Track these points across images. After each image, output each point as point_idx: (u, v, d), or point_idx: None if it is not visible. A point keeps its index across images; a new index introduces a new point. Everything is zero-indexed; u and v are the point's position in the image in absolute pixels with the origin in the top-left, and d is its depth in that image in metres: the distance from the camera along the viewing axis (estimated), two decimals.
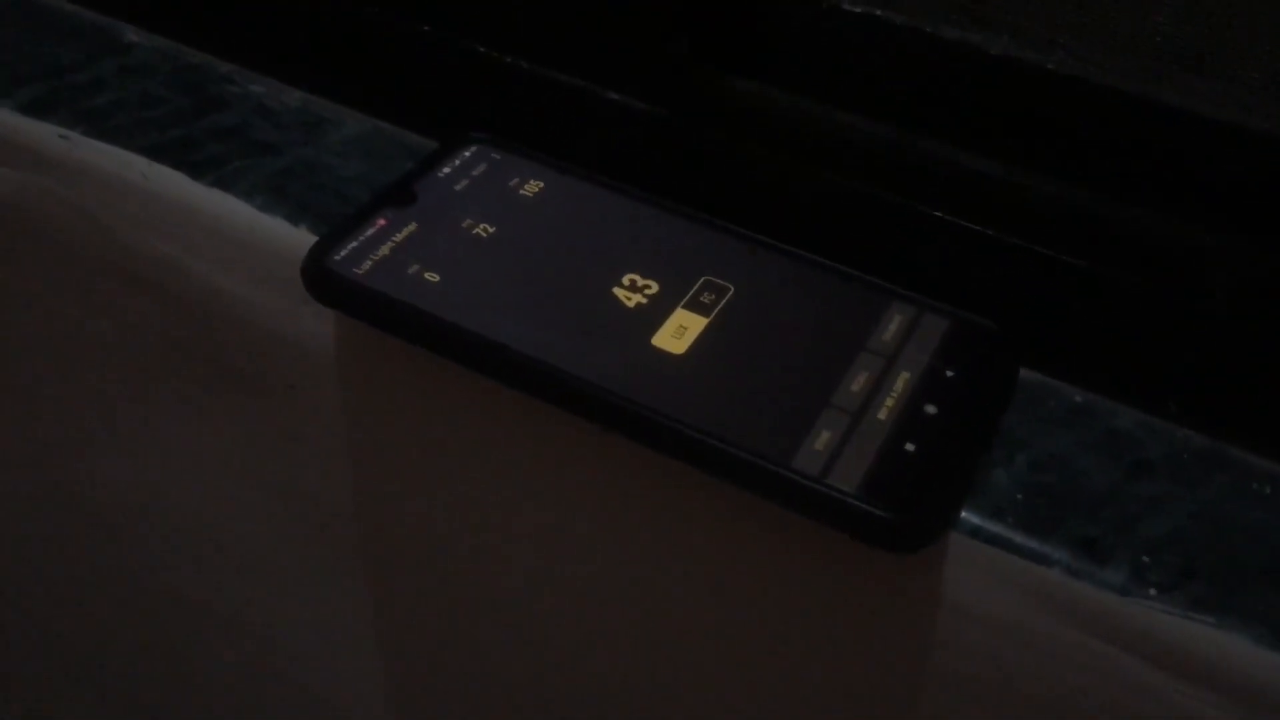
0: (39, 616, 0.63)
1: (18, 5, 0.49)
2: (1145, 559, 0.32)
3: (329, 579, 0.48)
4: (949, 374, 0.35)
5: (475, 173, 0.40)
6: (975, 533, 0.33)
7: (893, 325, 0.36)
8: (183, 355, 0.44)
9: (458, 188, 0.40)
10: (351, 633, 0.49)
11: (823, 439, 0.33)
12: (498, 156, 0.41)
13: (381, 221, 0.38)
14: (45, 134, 0.43)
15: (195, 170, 0.41)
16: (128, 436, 0.49)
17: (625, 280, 0.37)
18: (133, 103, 0.44)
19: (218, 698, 0.57)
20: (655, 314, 0.36)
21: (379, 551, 0.46)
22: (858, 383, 0.35)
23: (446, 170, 0.40)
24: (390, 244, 0.37)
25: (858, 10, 0.38)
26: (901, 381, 0.35)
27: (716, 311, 0.36)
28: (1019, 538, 0.33)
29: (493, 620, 0.44)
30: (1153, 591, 0.32)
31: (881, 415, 0.34)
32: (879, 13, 0.38)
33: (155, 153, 0.42)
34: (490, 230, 0.38)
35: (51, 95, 0.44)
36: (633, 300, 0.36)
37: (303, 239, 0.39)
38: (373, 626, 0.48)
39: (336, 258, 0.37)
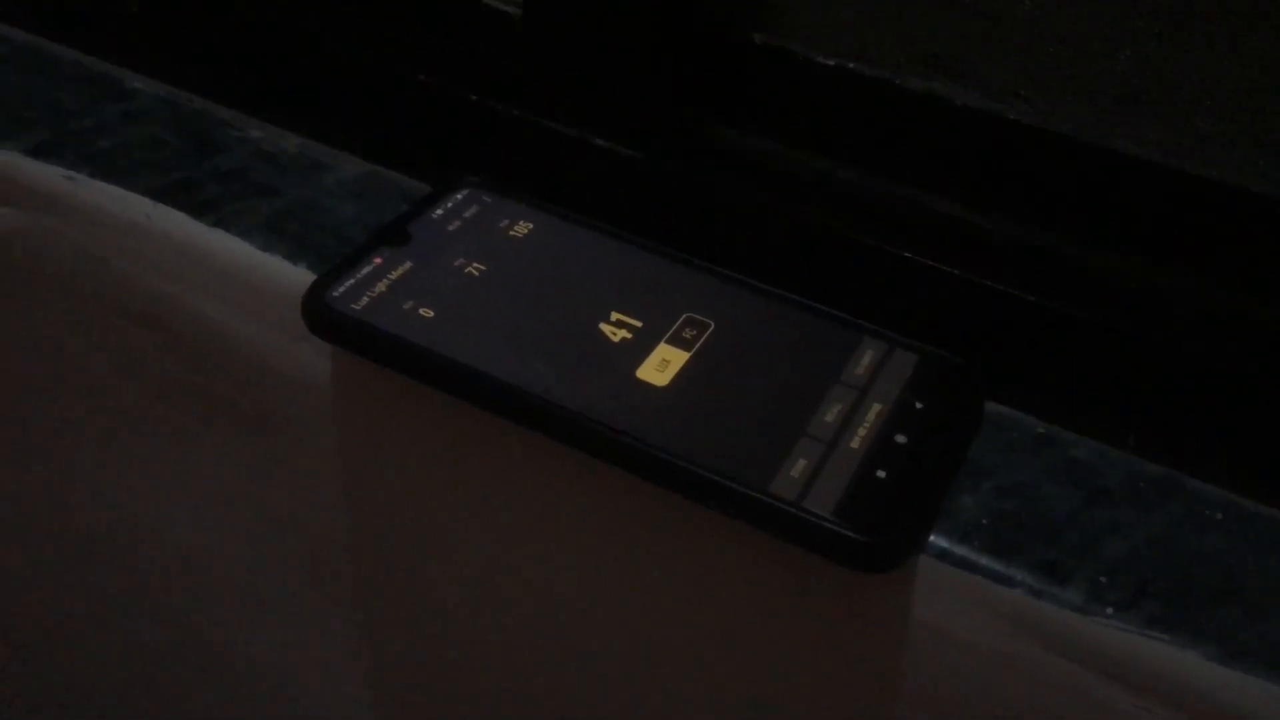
0: (28, 647, 0.64)
1: (24, 52, 0.51)
2: (1103, 579, 0.34)
3: (320, 608, 0.49)
4: (918, 406, 0.37)
5: (467, 214, 0.42)
6: (943, 555, 0.35)
7: (865, 359, 0.38)
8: (181, 389, 0.46)
9: (451, 228, 0.42)
10: (340, 661, 0.51)
11: (799, 466, 0.35)
12: (489, 199, 0.43)
13: (378, 260, 0.40)
14: (51, 175, 0.44)
15: (197, 211, 0.43)
16: (125, 468, 0.50)
17: (611, 317, 0.39)
18: (136, 146, 0.46)
19: (201, 715, 0.58)
20: (639, 349, 0.38)
21: (370, 581, 0.47)
22: (832, 414, 0.36)
23: (440, 212, 0.42)
24: (386, 281, 0.39)
25: (831, 63, 0.40)
26: (873, 412, 0.37)
27: (698, 346, 0.38)
28: (984, 560, 0.35)
29: (479, 644, 0.45)
30: (1110, 610, 0.34)
31: (854, 444, 0.36)
32: (851, 65, 0.40)
33: (158, 194, 0.44)
34: (482, 269, 0.40)
35: (57, 139, 0.46)
36: (618, 335, 0.38)
37: (302, 277, 0.41)
38: (362, 655, 0.50)
39: (335, 294, 0.38)
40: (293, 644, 0.52)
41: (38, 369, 0.49)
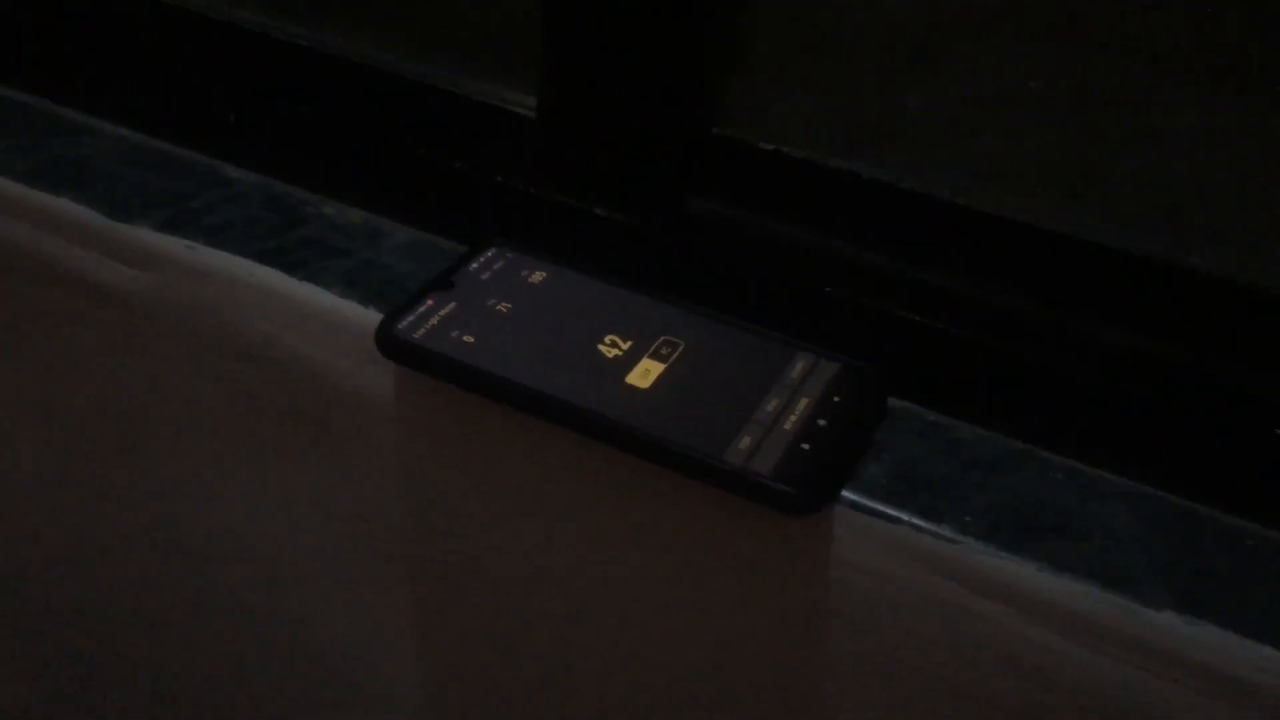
0: (129, 644, 0.77)
1: (147, 152, 0.64)
2: (969, 519, 0.47)
3: (382, 589, 0.61)
4: (836, 399, 0.50)
5: (496, 267, 0.56)
6: (854, 506, 0.47)
7: (798, 367, 0.51)
8: (275, 410, 0.58)
9: (484, 277, 0.55)
10: (399, 638, 0.63)
11: (745, 442, 0.47)
12: (512, 255, 0.56)
13: (430, 301, 0.53)
14: (175, 245, 0.58)
15: (288, 269, 0.56)
16: (227, 480, 0.63)
17: (607, 339, 0.52)
18: (238, 222, 0.59)
19: (288, 702, 0.70)
20: (628, 362, 0.51)
21: (424, 561, 0.60)
22: (771, 405, 0.49)
23: (475, 265, 0.55)
24: (438, 317, 0.52)
25: (770, 148, 0.54)
26: (802, 404, 0.49)
27: (672, 359, 0.51)
28: (883, 508, 0.47)
29: (502, 605, 0.58)
30: (972, 539, 0.46)
31: (787, 426, 0.48)
32: (784, 149, 0.54)
33: (258, 257, 0.57)
34: (509, 306, 0.53)
35: (176, 217, 0.59)
36: (612, 353, 0.51)
37: (371, 317, 0.54)
38: (417, 629, 0.62)
39: (400, 326, 0.52)
40: (359, 625, 0.65)
41: (161, 401, 0.62)
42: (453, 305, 0.53)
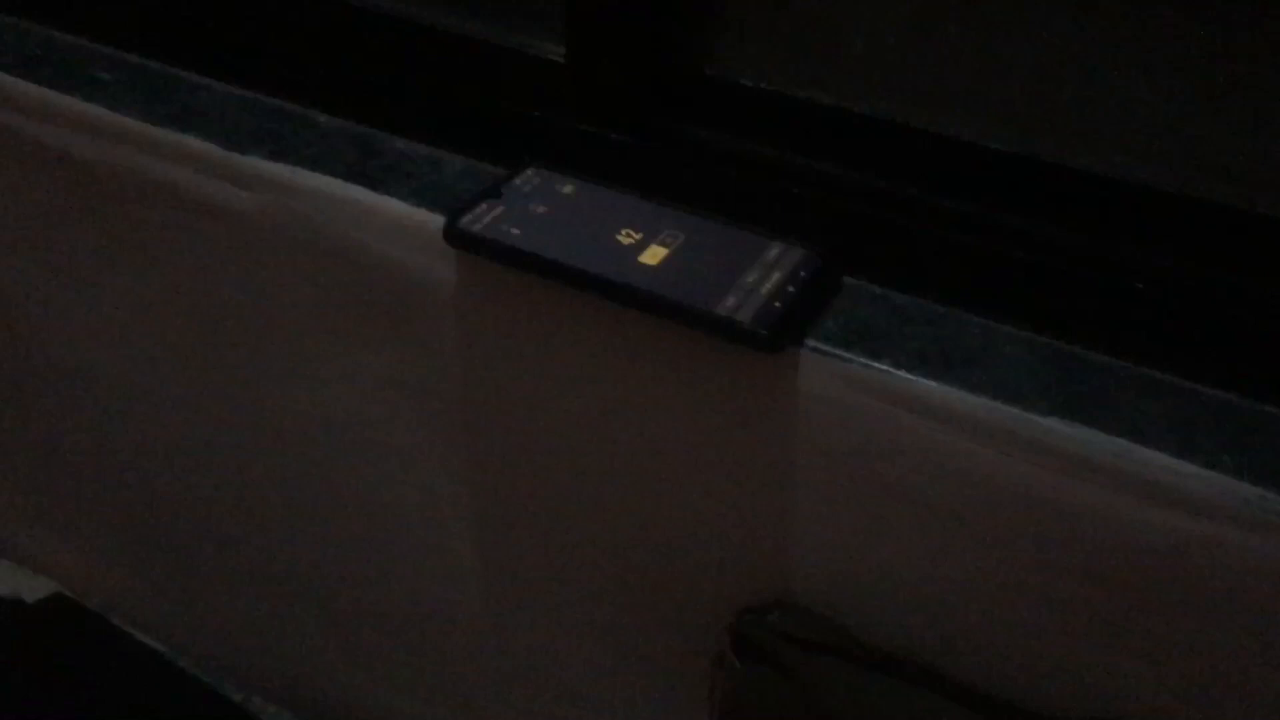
0: (228, 528, 0.92)
1: (250, 103, 0.79)
2: (902, 358, 0.61)
3: (446, 459, 0.76)
4: (802, 274, 0.64)
5: (534, 182, 0.70)
6: (815, 351, 0.62)
7: (773, 252, 0.65)
8: (363, 303, 0.73)
9: (525, 189, 0.69)
10: (458, 499, 0.78)
11: (730, 301, 0.62)
12: (546, 173, 0.71)
13: (484, 205, 0.68)
14: (280, 170, 0.72)
15: (371, 185, 0.71)
16: (320, 362, 0.78)
17: (623, 232, 0.66)
18: (328, 153, 0.74)
19: (366, 560, 0.85)
20: (640, 247, 0.65)
21: (474, 415, 0.74)
22: (750, 278, 0.64)
23: (517, 180, 0.70)
24: (491, 215, 0.67)
25: (749, 84, 0.68)
26: (775, 277, 0.64)
27: (674, 246, 0.66)
28: (837, 351, 0.61)
29: (535, 449, 0.72)
30: (905, 372, 0.60)
31: (763, 291, 0.63)
32: (762, 85, 0.68)
33: (346, 177, 0.72)
34: (544, 210, 0.68)
35: (280, 148, 0.74)
36: (627, 241, 0.66)
37: (438, 220, 0.68)
38: (472, 491, 0.77)
39: (462, 221, 0.66)
40: (427, 486, 0.79)
41: (266, 301, 0.77)
42: (501, 208, 0.68)
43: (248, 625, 0.99)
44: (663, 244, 0.66)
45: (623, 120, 0.70)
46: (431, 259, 0.69)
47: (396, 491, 0.81)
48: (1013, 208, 0.64)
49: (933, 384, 0.60)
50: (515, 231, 0.66)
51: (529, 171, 0.71)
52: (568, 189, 0.70)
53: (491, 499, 0.77)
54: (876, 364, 0.61)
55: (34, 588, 1.10)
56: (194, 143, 0.74)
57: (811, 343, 0.62)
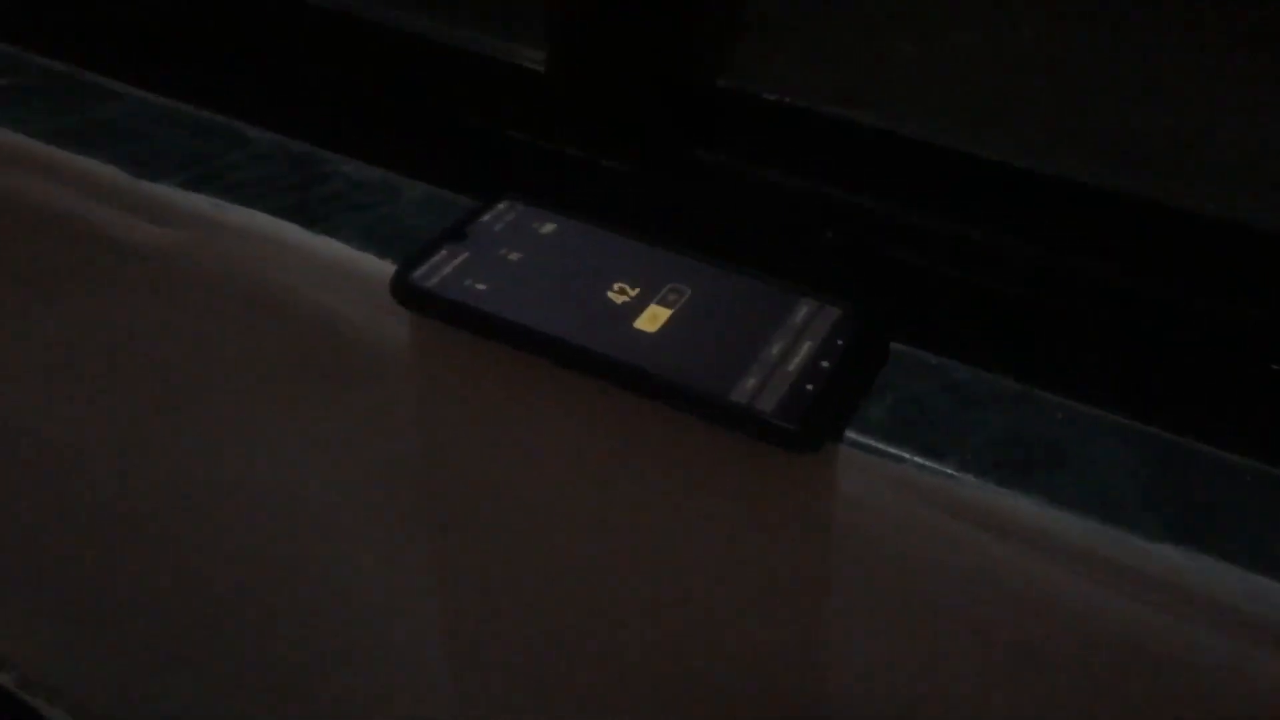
0: (158, 598, 0.79)
1: (170, 114, 0.66)
2: (968, 457, 0.48)
3: (404, 534, 0.63)
4: (839, 342, 0.51)
5: (507, 219, 0.57)
6: (856, 445, 0.49)
7: (801, 312, 0.52)
8: (299, 360, 0.60)
9: (496, 229, 0.56)
10: (419, 576, 0.65)
11: (750, 383, 0.49)
12: (523, 207, 0.58)
13: (444, 252, 0.55)
14: (199, 202, 0.59)
15: (308, 223, 0.58)
16: (251, 426, 0.65)
17: (615, 286, 0.53)
18: (259, 180, 0.61)
19: (301, 640, 0.72)
20: (636, 307, 0.52)
21: (442, 506, 0.61)
22: (775, 349, 0.50)
23: (487, 217, 0.57)
24: (451, 266, 0.54)
25: (772, 98, 0.55)
26: (805, 348, 0.51)
27: (678, 305, 0.52)
28: (884, 446, 0.48)
29: (516, 546, 0.59)
30: (971, 475, 0.47)
31: (791, 368, 0.50)
32: (786, 99, 0.55)
33: (279, 212, 0.59)
34: (519, 256, 0.55)
35: (202, 175, 0.61)
36: (620, 299, 0.53)
37: (387, 267, 0.55)
38: (433, 569, 0.64)
39: (414, 275, 0.53)
40: (381, 572, 0.66)
41: (187, 355, 0.64)
42: (466, 255, 0.55)
43: (183, 714, 0.87)
44: (664, 303, 0.53)
45: (615, 143, 0.57)
46: (380, 316, 0.56)
47: (355, 579, 0.68)
48: (1111, 256, 0.50)
49: (1006, 493, 0.47)
50: (480, 287, 0.53)
51: (502, 205, 0.58)
52: (548, 228, 0.57)
53: (466, 600, 0.65)
54: (935, 465, 0.48)
55: None
56: (98, 167, 0.61)
57: (853, 435, 0.49)
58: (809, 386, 0.49)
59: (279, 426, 0.64)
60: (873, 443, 0.49)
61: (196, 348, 0.64)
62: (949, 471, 0.48)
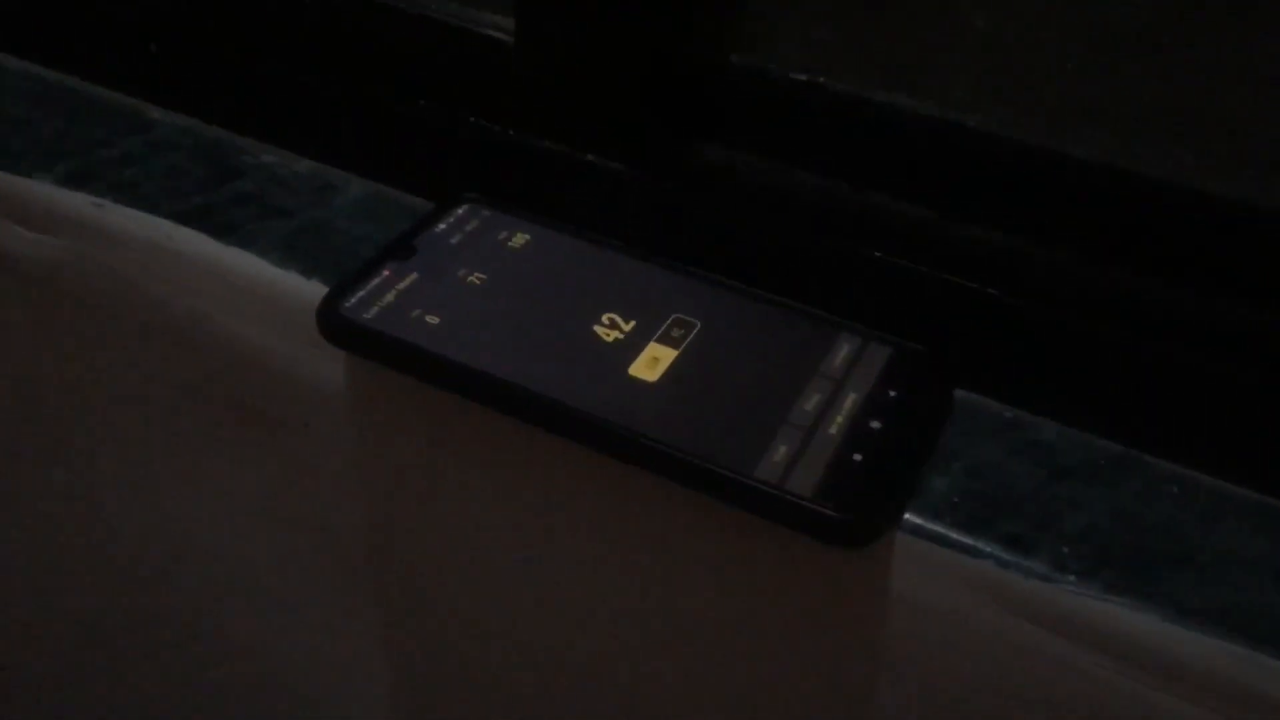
0: (54, 655, 0.67)
1: (51, 89, 0.54)
2: (1065, 550, 0.37)
3: (337, 604, 0.52)
4: (891, 394, 0.40)
5: (468, 228, 0.45)
6: (917, 531, 0.38)
7: (841, 353, 0.41)
8: (206, 399, 0.48)
9: (453, 241, 0.45)
10: (358, 661, 0.53)
11: (781, 452, 0.38)
12: (487, 213, 0.46)
13: (386, 272, 0.43)
14: (80, 203, 0.47)
15: (217, 232, 0.46)
16: (150, 476, 0.53)
17: (604, 319, 0.42)
18: (158, 174, 0.49)
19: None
20: (631, 348, 0.41)
21: (384, 574, 0.50)
22: (811, 403, 0.39)
23: (442, 227, 0.45)
24: (395, 292, 0.42)
25: (803, 79, 0.43)
26: (849, 402, 0.39)
27: (685, 344, 0.41)
28: (955, 535, 0.37)
29: (485, 631, 0.48)
30: (1072, 578, 0.36)
31: (832, 430, 0.38)
32: (821, 80, 0.43)
33: (180, 218, 0.47)
34: (483, 278, 0.43)
35: (84, 168, 0.49)
36: (611, 336, 0.41)
37: (316, 290, 0.44)
38: (378, 648, 0.52)
39: (348, 304, 0.41)
40: (311, 646, 0.55)
41: (69, 385, 0.52)
42: (414, 277, 0.43)
43: None
44: (667, 340, 0.41)
45: (603, 134, 0.45)
46: (308, 350, 0.44)
47: (284, 654, 0.56)
48: (1244, 288, 0.39)
49: (1119, 603, 0.36)
50: (432, 320, 0.41)
51: (461, 211, 0.46)
52: (519, 241, 0.45)
53: (416, 684, 0.53)
54: (1022, 560, 0.37)
55: None
56: None
57: (913, 518, 0.38)
58: (856, 457, 0.38)
59: (190, 479, 0.52)
60: (939, 529, 0.38)
61: (84, 383, 0.52)
62: (1041, 571, 0.36)
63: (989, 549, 0.37)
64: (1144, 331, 0.40)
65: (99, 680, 0.66)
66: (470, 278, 0.43)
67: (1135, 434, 0.40)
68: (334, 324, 0.41)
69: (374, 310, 0.41)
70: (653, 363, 0.40)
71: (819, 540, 0.36)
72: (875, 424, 0.39)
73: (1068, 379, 0.41)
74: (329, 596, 0.52)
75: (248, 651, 0.57)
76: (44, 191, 0.48)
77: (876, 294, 0.43)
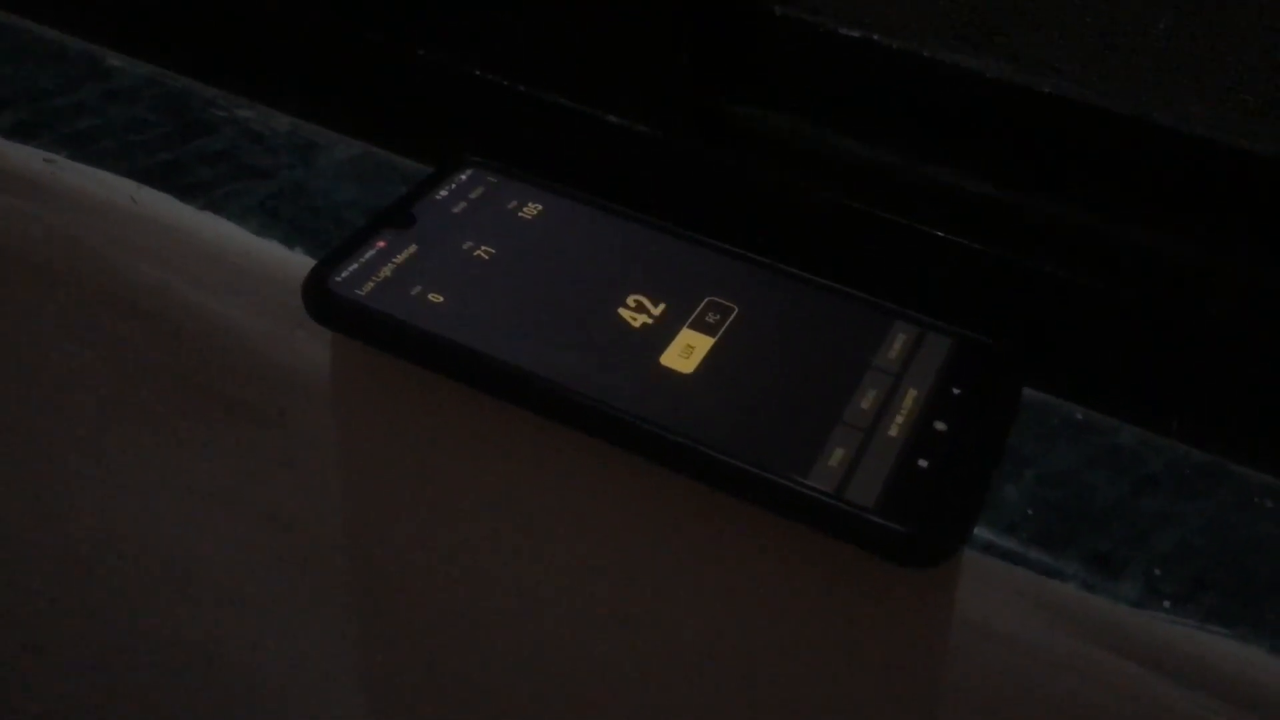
0: (12, 657, 0.62)
1: None
2: (1157, 571, 0.33)
3: (317, 609, 0.47)
4: (956, 391, 0.35)
5: (473, 195, 0.40)
6: (988, 548, 0.33)
7: (897, 344, 0.36)
8: (172, 382, 0.43)
9: (456, 210, 0.39)
10: (337, 664, 0.48)
11: (837, 455, 0.33)
12: (494, 180, 0.41)
13: (381, 244, 0.38)
14: (29, 158, 0.42)
15: (185, 193, 0.41)
16: (111, 465, 0.48)
17: (630, 301, 0.37)
18: (118, 127, 0.44)
19: None
20: (662, 334, 0.36)
21: (370, 583, 0.45)
22: (867, 400, 0.35)
23: (444, 193, 0.40)
24: (391, 265, 0.37)
25: (855, 35, 0.39)
26: (910, 399, 0.35)
27: (722, 331, 0.36)
28: (1032, 553, 0.33)
29: (489, 646, 0.43)
30: (1166, 604, 0.32)
31: (893, 432, 0.34)
32: (876, 37, 0.38)
33: (143, 176, 0.41)
34: (491, 252, 0.38)
35: (35, 119, 0.43)
36: (638, 321, 0.36)
37: (299, 262, 0.39)
38: (358, 657, 0.47)
39: (338, 279, 0.36)
40: (288, 647, 0.50)
41: (17, 361, 0.47)
42: (413, 249, 0.38)
43: None
44: (702, 327, 0.36)
45: (626, 90, 0.40)
46: (290, 329, 0.39)
47: (257, 661, 0.51)
48: None
49: (1220, 633, 0.31)
50: (435, 298, 0.36)
51: (465, 176, 0.41)
52: (530, 210, 0.40)
53: (404, 696, 0.48)
54: (1110, 584, 0.32)
55: None
56: None
57: (982, 534, 0.33)
58: (922, 463, 0.33)
59: (157, 470, 0.47)
60: (1012, 545, 0.33)
61: (37, 363, 0.46)
62: (1131, 597, 0.32)
63: (1071, 569, 0.33)
64: (1238, 325, 0.35)
65: (49, 679, 0.60)
66: (477, 251, 0.38)
67: (1223, 440, 0.36)
68: (322, 301, 0.36)
69: (368, 286, 0.36)
70: (687, 351, 0.36)
71: (882, 557, 0.32)
72: (940, 425, 0.34)
73: (1149, 376, 0.37)
74: (305, 597, 0.47)
75: (216, 653, 0.52)
76: None
77: (935, 277, 0.38)
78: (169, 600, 0.51)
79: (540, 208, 0.40)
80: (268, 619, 0.49)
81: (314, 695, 0.50)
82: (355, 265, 0.37)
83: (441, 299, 0.36)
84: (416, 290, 0.36)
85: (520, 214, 0.40)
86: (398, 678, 0.47)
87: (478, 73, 0.42)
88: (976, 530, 0.33)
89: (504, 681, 0.43)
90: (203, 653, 0.52)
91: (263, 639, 0.49)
